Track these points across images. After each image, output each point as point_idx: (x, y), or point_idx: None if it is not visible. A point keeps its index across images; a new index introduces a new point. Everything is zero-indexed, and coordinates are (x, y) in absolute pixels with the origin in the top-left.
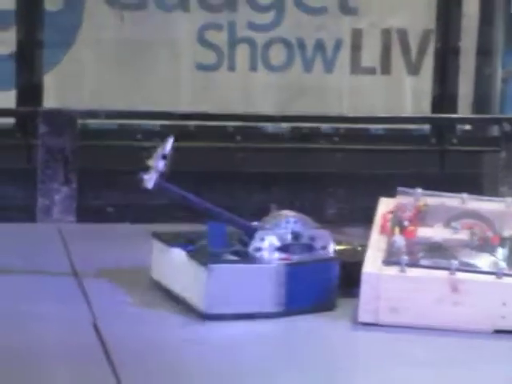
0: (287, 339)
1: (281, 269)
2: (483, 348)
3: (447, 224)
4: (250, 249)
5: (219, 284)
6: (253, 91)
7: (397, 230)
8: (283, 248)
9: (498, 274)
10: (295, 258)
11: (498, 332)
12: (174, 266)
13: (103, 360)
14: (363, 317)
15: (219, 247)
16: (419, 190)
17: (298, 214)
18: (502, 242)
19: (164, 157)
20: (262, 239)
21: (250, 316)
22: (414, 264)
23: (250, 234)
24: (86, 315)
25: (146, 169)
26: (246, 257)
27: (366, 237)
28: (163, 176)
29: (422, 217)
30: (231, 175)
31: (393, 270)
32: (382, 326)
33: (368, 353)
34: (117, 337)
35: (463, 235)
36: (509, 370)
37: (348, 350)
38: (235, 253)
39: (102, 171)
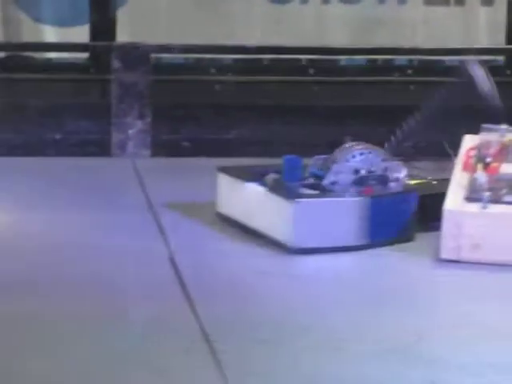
0: (369, 275)
1: (365, 202)
2: None
3: None
4: (325, 182)
5: (306, 218)
6: (326, 24)
7: (480, 166)
8: (358, 181)
9: None
10: (376, 190)
11: None
12: (251, 202)
13: (180, 294)
14: (445, 253)
15: (294, 180)
16: (504, 126)
17: (370, 146)
18: None
19: None
20: (337, 172)
21: (335, 249)
22: (496, 200)
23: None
24: (162, 249)
25: None
26: (322, 190)
27: (440, 171)
28: None
29: (506, 153)
30: (305, 109)
31: (475, 207)
32: (463, 262)
33: (448, 288)
34: (194, 271)
35: None
36: None
37: (429, 286)
38: (310, 186)
39: (177, 106)
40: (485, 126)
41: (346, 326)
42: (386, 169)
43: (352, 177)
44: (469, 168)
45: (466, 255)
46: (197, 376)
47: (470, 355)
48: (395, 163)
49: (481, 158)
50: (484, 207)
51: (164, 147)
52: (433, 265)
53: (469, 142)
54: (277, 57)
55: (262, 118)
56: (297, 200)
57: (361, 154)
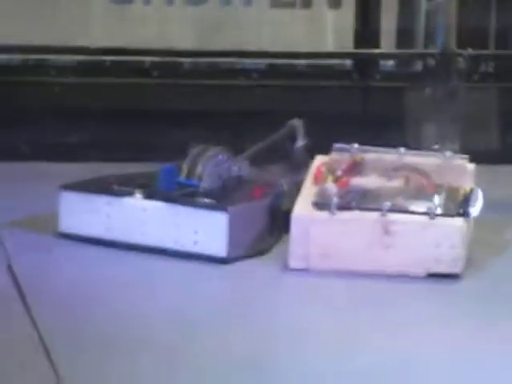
0: (220, 284)
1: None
2: (414, 292)
3: (382, 174)
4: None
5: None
6: (169, 25)
7: (330, 178)
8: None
9: (430, 214)
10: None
11: (432, 276)
12: (133, 217)
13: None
14: (294, 263)
15: (171, 190)
16: (356, 146)
17: (218, 148)
18: (438, 189)
19: None
20: (211, 179)
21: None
22: (344, 207)
23: None
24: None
25: None
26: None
27: (291, 174)
28: None
29: (357, 170)
30: (148, 112)
31: (323, 214)
32: (312, 271)
33: (295, 298)
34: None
35: (398, 183)
36: (438, 313)
37: (276, 296)
38: (191, 195)
39: (15, 108)
40: (336, 145)
41: (193, 338)
42: (239, 169)
43: (218, 181)
44: (319, 180)
45: (315, 263)
46: None
47: (324, 363)
48: (242, 162)
49: (331, 172)
50: (332, 213)
51: (1, 151)
52: (280, 274)
53: (319, 159)
54: (119, 58)
55: (104, 121)
56: (230, 208)
57: (220, 157)
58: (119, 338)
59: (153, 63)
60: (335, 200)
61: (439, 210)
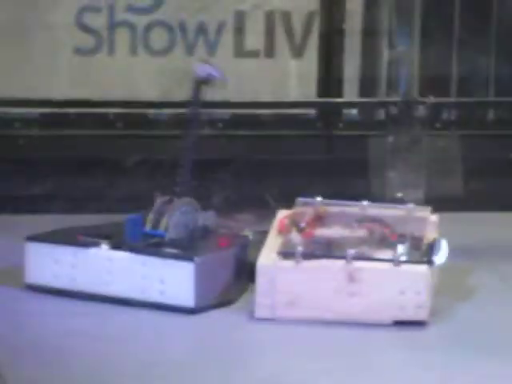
0: (187, 335)
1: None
2: (379, 339)
3: (346, 226)
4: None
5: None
6: (134, 76)
7: (294, 229)
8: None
9: (395, 262)
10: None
11: (397, 322)
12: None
13: None
14: (260, 312)
15: (137, 240)
16: (318, 199)
17: (186, 199)
18: (401, 239)
19: None
20: (177, 229)
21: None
22: (309, 255)
23: None
24: None
25: None
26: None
27: (256, 223)
28: None
29: (321, 222)
30: (112, 163)
31: (288, 263)
32: (279, 320)
33: (261, 348)
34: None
35: (362, 233)
36: (403, 360)
37: (243, 346)
38: (158, 245)
39: None
40: (299, 199)
41: None
42: (204, 219)
43: (184, 231)
44: (283, 231)
45: (281, 312)
46: None
47: None
48: (209, 212)
49: (295, 223)
50: (297, 262)
51: None
52: (246, 324)
53: (283, 213)
54: (83, 111)
55: (69, 172)
56: (196, 258)
57: (186, 207)
58: None
59: (117, 114)
60: (300, 249)
61: (403, 258)
